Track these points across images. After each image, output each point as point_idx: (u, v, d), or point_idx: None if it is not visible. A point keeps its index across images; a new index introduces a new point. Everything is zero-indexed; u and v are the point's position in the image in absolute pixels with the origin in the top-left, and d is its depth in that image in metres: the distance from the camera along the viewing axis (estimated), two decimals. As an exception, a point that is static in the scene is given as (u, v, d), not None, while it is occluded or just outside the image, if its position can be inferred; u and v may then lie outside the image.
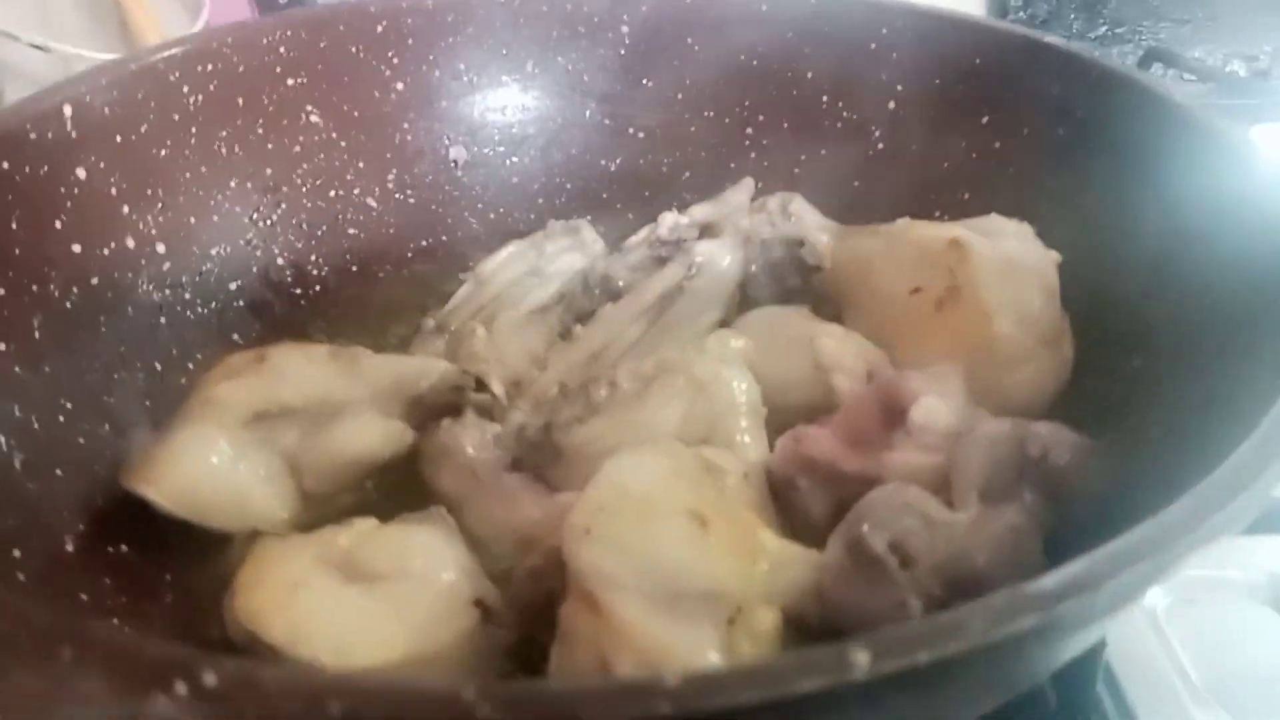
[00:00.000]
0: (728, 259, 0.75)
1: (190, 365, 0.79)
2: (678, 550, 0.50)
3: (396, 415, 0.67)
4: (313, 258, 0.91)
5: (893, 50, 0.91)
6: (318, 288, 0.91)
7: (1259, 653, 0.76)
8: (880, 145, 0.93)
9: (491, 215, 1.01)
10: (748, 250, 0.78)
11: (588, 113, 1.03)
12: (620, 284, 0.80)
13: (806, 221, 0.84)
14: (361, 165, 0.95)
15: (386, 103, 0.96)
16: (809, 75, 0.97)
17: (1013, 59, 0.83)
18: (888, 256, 0.73)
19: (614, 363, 0.71)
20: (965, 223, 0.76)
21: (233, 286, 0.85)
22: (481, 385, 0.68)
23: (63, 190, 0.72)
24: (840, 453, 0.59)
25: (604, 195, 1.02)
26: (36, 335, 0.67)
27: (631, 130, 1.02)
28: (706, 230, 0.84)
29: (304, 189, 0.92)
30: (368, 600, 0.54)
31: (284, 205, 0.90)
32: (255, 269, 0.87)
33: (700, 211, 0.87)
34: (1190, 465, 0.49)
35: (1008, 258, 0.70)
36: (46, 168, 0.71)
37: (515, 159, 1.02)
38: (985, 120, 0.85)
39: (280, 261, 0.89)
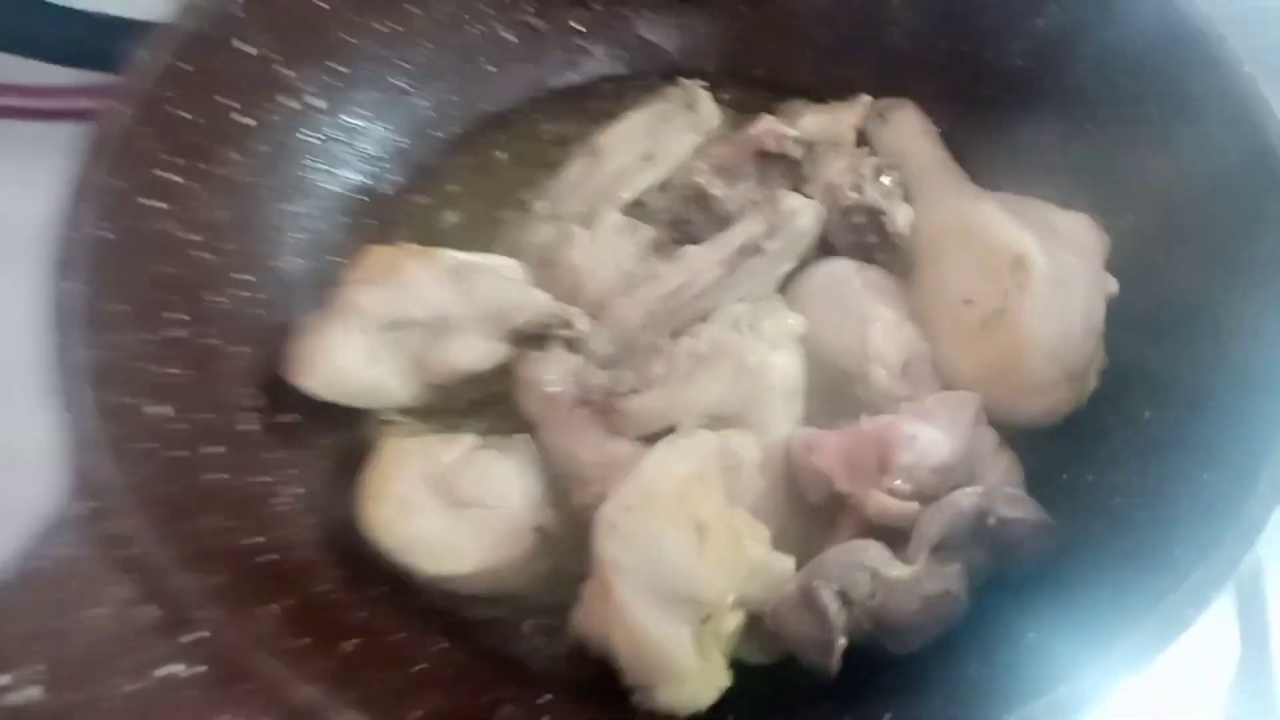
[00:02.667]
0: (808, 218, 0.81)
1: (344, 218, 0.93)
2: (678, 559, 0.66)
3: (497, 336, 0.81)
4: (453, 99, 0.99)
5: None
6: (457, 130, 1.00)
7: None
8: (1018, 62, 0.89)
9: (623, 55, 1.03)
10: (831, 205, 0.83)
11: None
12: (715, 196, 0.87)
13: (907, 154, 0.87)
14: (502, -1, 0.98)
15: (527, -70, 0.97)
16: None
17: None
18: (960, 249, 0.78)
19: (687, 302, 0.81)
20: (1035, 207, 0.78)
21: (381, 134, 0.96)
22: (568, 322, 0.80)
23: (237, 71, 0.82)
24: (839, 471, 0.71)
25: (736, 45, 1.02)
26: (220, 217, 0.82)
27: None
28: (809, 151, 0.88)
29: (446, 28, 0.96)
30: (456, 521, 0.74)
31: (429, 45, 0.96)
32: (401, 114, 0.97)
33: (809, 124, 0.89)
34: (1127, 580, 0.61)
35: (1062, 280, 0.74)
36: (222, 54, 0.81)
37: (651, -2, 1.02)
38: (1121, 81, 0.82)
39: (423, 104, 0.98)
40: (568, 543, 0.75)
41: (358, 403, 0.81)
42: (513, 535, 0.74)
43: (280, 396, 0.80)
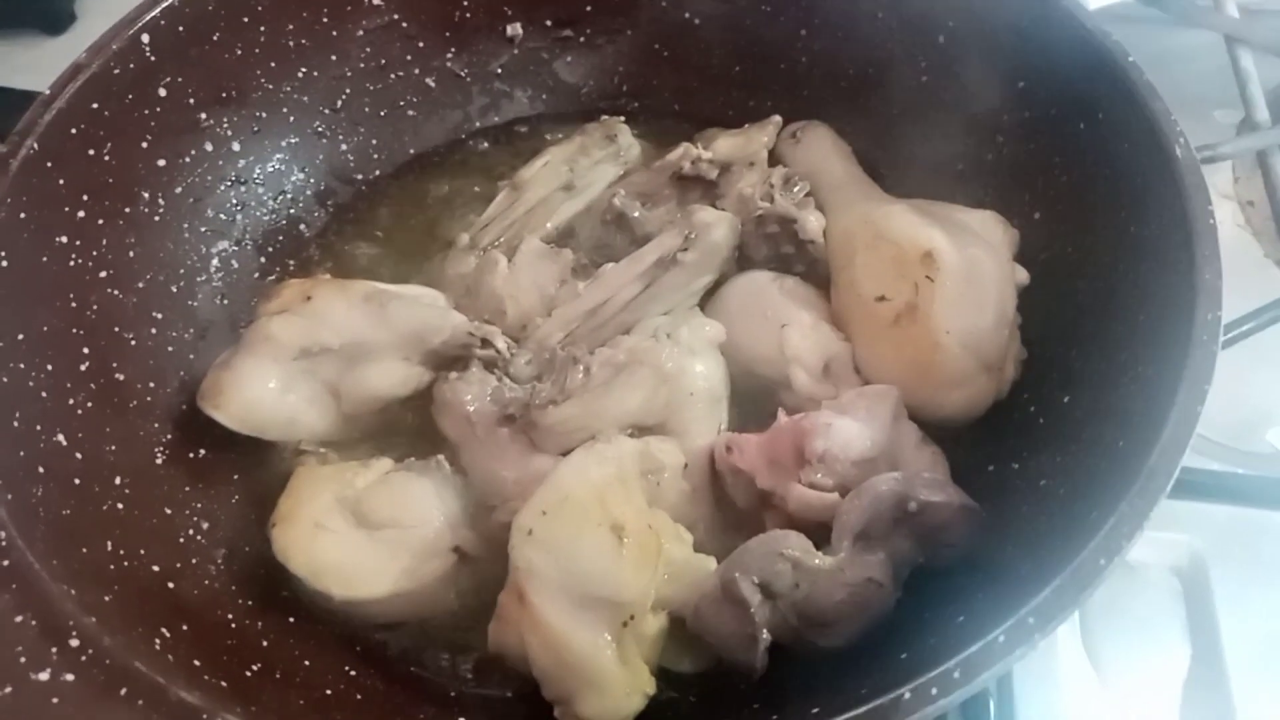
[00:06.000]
0: (723, 230, 0.81)
1: (261, 259, 0.93)
2: (596, 560, 0.64)
3: (416, 360, 0.79)
4: (374, 142, 1.00)
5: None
6: (378, 172, 1.00)
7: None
8: (924, 78, 0.92)
9: (544, 97, 1.05)
10: (745, 217, 0.83)
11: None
12: (633, 218, 0.88)
13: (819, 171, 0.88)
14: (421, 45, 1.00)
15: (447, -20, 0.99)
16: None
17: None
18: (870, 250, 0.78)
19: (608, 318, 0.81)
20: (943, 208, 0.79)
21: (300, 178, 0.96)
22: (486, 342, 0.79)
23: (146, 112, 0.83)
24: (760, 468, 0.70)
25: (654, 82, 1.04)
26: (131, 255, 0.81)
27: (688, 16, 1.02)
28: (725, 170, 0.89)
29: (366, 72, 0.98)
30: (370, 544, 0.71)
31: (348, 90, 0.98)
32: (321, 157, 0.97)
33: (723, 147, 0.91)
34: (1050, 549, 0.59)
35: (971, 273, 0.74)
36: (131, 96, 0.81)
37: (569, 36, 1.04)
38: (1021, 85, 0.84)
39: (344, 149, 0.99)
40: (487, 564, 0.73)
41: (271, 434, 0.79)
42: (430, 556, 0.71)
43: (190, 432, 0.78)
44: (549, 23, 1.03)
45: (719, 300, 0.83)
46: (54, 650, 0.51)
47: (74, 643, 0.52)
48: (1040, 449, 0.72)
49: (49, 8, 1.30)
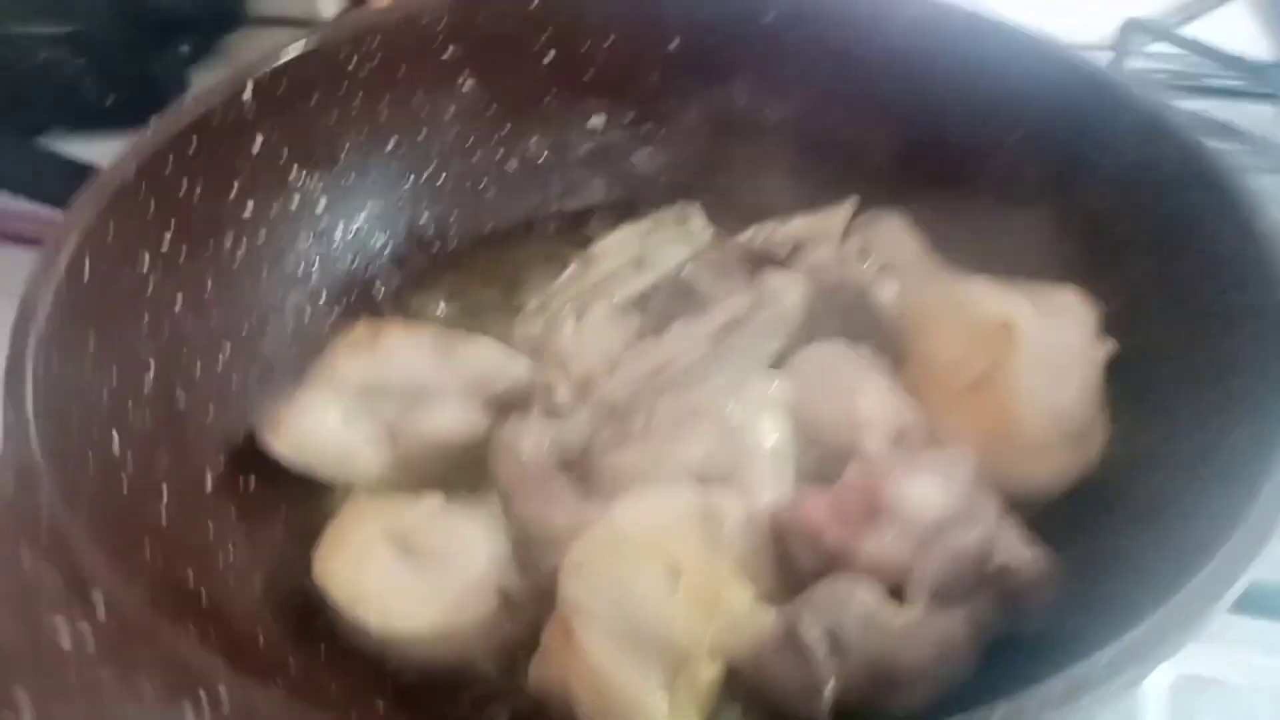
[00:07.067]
0: (792, 296, 0.80)
1: (334, 312, 0.94)
2: (647, 599, 0.60)
3: (477, 404, 0.78)
4: (453, 216, 1.03)
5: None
6: (455, 244, 1.02)
7: None
8: (1003, 172, 0.92)
9: (621, 184, 1.08)
10: (818, 286, 0.82)
11: (733, 89, 1.06)
12: (702, 290, 0.87)
13: (893, 252, 0.87)
14: (507, 129, 1.04)
15: (536, 72, 1.03)
16: (946, 92, 0.95)
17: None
18: (946, 321, 0.76)
19: (673, 378, 0.79)
20: (1023, 285, 0.78)
21: (379, 241, 0.98)
22: (549, 391, 0.78)
23: (240, 160, 0.86)
24: (827, 525, 0.66)
25: (731, 176, 1.06)
26: (208, 287, 0.82)
27: (766, 115, 1.04)
28: (797, 248, 0.89)
29: (453, 151, 1.02)
30: (413, 576, 0.68)
31: (433, 164, 1.01)
32: (402, 224, 1.00)
33: (797, 226, 0.91)
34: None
35: (1052, 344, 0.72)
36: (229, 142, 0.85)
37: (649, 131, 1.07)
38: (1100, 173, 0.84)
39: (424, 219, 1.01)
40: (532, 613, 0.69)
41: (324, 470, 0.77)
42: (474, 596, 0.67)
43: (243, 463, 0.77)
44: (631, 115, 1.07)
45: (789, 366, 0.81)
46: (83, 619, 0.48)
47: (102, 615, 0.49)
48: (1124, 523, 0.67)
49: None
